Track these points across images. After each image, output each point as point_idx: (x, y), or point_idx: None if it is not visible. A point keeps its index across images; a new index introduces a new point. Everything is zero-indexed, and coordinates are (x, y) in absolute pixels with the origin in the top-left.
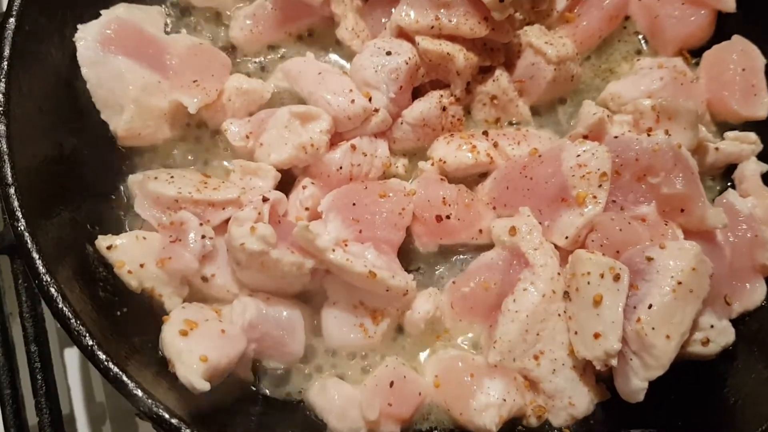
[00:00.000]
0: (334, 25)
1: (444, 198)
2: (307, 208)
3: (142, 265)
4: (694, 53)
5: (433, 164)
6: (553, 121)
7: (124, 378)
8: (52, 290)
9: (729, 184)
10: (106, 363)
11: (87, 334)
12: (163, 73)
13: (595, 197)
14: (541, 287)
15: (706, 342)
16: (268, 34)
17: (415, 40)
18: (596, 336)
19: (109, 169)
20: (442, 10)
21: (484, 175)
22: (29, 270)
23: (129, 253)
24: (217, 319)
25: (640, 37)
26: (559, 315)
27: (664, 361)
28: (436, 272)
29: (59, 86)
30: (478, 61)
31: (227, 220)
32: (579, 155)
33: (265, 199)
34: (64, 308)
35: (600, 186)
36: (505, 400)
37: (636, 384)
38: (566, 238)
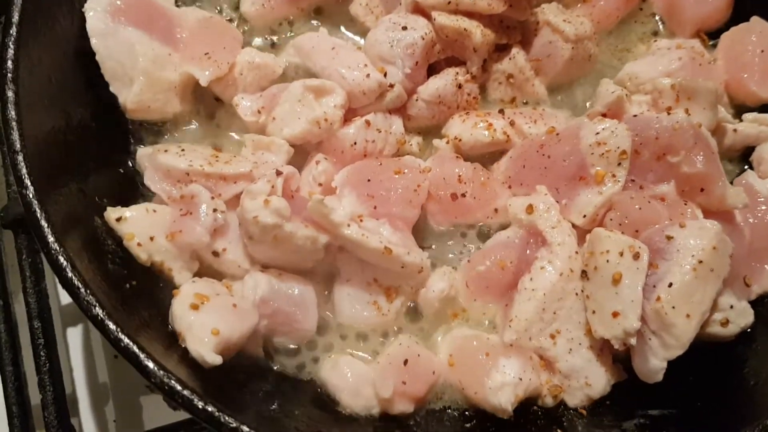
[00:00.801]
0: (345, 2)
1: (460, 176)
2: (320, 184)
3: (152, 238)
4: (711, 35)
5: (448, 142)
6: (570, 101)
7: (135, 349)
8: (62, 259)
9: (746, 167)
10: (116, 333)
11: (97, 304)
12: (173, 45)
13: (614, 176)
14: (558, 265)
15: (725, 323)
16: (279, 9)
17: (431, 15)
18: (615, 315)
19: (118, 142)
20: None
21: (498, 154)
22: (38, 239)
23: (139, 226)
24: (228, 294)
25: (657, 18)
26: (577, 294)
27: (684, 340)
28: (449, 251)
29: (69, 56)
30: (494, 39)
31: (239, 195)
32: (598, 133)
33: (278, 173)
34: (74, 277)
35: (619, 164)
36: (521, 379)
37: (655, 364)
38: (584, 216)
